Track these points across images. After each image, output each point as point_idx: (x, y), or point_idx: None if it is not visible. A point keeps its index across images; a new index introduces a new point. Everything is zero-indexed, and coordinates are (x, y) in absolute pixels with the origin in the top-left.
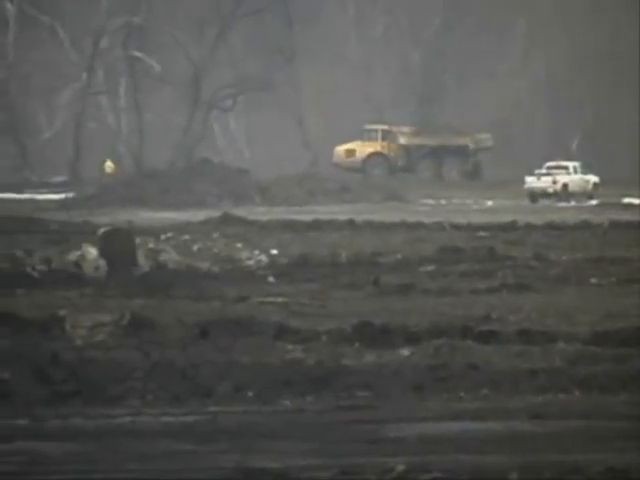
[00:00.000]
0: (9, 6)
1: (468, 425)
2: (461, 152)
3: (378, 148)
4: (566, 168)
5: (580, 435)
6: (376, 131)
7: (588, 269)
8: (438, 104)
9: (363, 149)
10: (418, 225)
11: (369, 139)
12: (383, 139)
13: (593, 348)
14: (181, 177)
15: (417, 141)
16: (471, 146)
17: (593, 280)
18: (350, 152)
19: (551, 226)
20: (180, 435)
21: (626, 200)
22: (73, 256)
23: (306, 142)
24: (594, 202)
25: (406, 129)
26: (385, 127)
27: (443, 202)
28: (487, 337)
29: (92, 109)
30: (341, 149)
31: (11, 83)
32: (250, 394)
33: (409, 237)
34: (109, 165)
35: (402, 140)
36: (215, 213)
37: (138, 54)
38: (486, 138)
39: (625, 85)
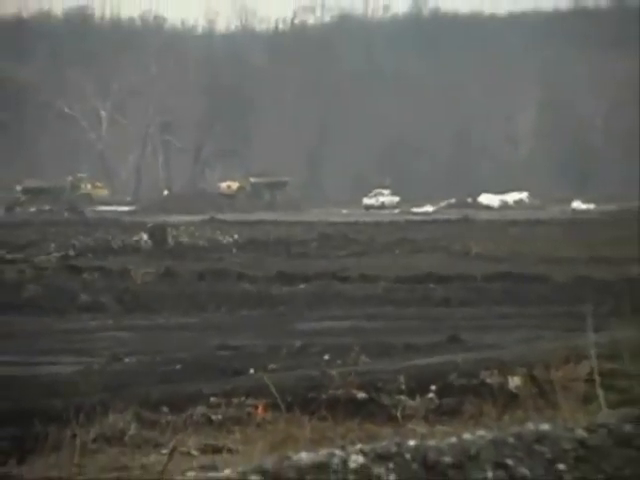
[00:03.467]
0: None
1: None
2: (281, 185)
3: (241, 184)
4: (383, 194)
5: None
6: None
7: (392, 244)
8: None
9: (234, 185)
10: (294, 223)
11: (237, 179)
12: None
13: (399, 285)
14: (189, 197)
15: (258, 180)
16: (286, 180)
17: (397, 251)
18: (228, 187)
19: (377, 223)
20: (188, 326)
21: (414, 209)
22: (136, 238)
23: None
24: (396, 211)
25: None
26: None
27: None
28: (344, 278)
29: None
30: (224, 185)
31: (105, 152)
32: (223, 309)
33: (293, 229)
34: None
35: (252, 180)
36: (206, 217)
37: (169, 137)
38: (286, 180)
39: None
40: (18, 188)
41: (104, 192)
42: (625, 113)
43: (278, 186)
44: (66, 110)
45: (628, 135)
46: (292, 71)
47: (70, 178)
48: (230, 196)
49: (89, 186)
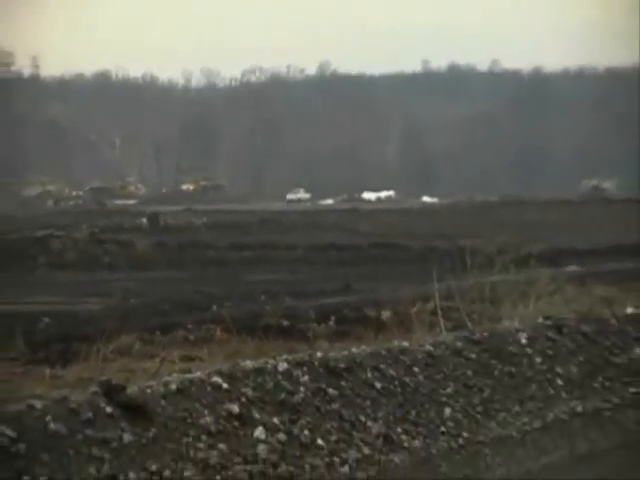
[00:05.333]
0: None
1: None
2: (219, 187)
3: (196, 185)
4: (300, 192)
5: None
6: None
7: (306, 224)
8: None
9: (191, 186)
10: (243, 211)
11: (193, 182)
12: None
13: (311, 251)
14: (173, 194)
15: (205, 184)
16: (223, 184)
17: (309, 229)
18: (187, 188)
19: (295, 211)
20: (173, 279)
21: (320, 202)
22: (139, 221)
23: None
24: (308, 203)
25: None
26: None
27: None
28: (274, 247)
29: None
30: (184, 186)
31: (119, 165)
32: (196, 267)
33: (243, 215)
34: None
35: (202, 183)
36: (184, 207)
37: (160, 156)
38: (222, 184)
39: None
40: (86, 188)
41: (141, 191)
42: (462, 133)
43: (217, 188)
44: (92, 138)
45: (463, 149)
46: (241, 112)
47: (119, 182)
48: (188, 194)
49: (132, 187)
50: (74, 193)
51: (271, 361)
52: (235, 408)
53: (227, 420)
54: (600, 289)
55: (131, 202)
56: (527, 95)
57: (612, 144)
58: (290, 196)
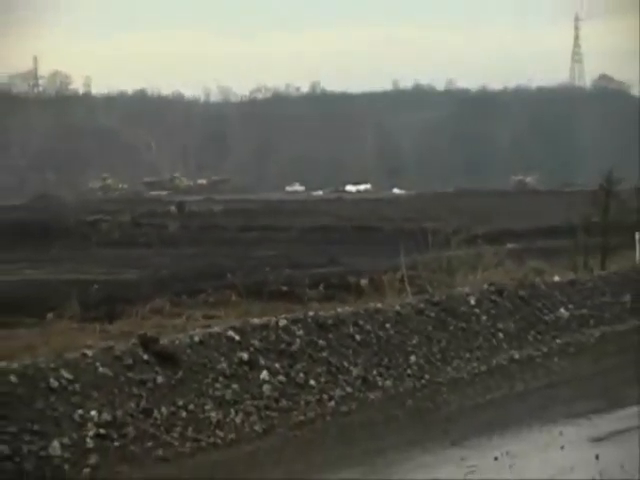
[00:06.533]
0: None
1: None
2: (227, 181)
3: (208, 180)
4: (296, 185)
5: None
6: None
7: (300, 211)
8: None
9: (204, 181)
10: (251, 200)
11: (206, 177)
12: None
13: (305, 233)
14: (195, 187)
15: (215, 179)
16: (229, 178)
17: (303, 215)
18: (201, 182)
19: (293, 201)
20: (195, 254)
21: (312, 193)
22: (168, 209)
23: None
24: (303, 195)
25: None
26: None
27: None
28: (276, 229)
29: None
30: (199, 181)
31: (156, 164)
32: (213, 245)
33: (251, 203)
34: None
35: (213, 178)
36: (204, 197)
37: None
38: (229, 178)
39: None
40: (141, 181)
41: (188, 183)
42: (424, 138)
43: (225, 182)
44: (133, 143)
45: (425, 151)
46: (249, 121)
47: (169, 176)
48: (203, 186)
49: (177, 181)
50: (119, 185)
51: (273, 319)
52: (245, 356)
53: (239, 365)
54: (533, 262)
55: (164, 193)
56: (475, 108)
57: (537, 147)
58: (288, 188)
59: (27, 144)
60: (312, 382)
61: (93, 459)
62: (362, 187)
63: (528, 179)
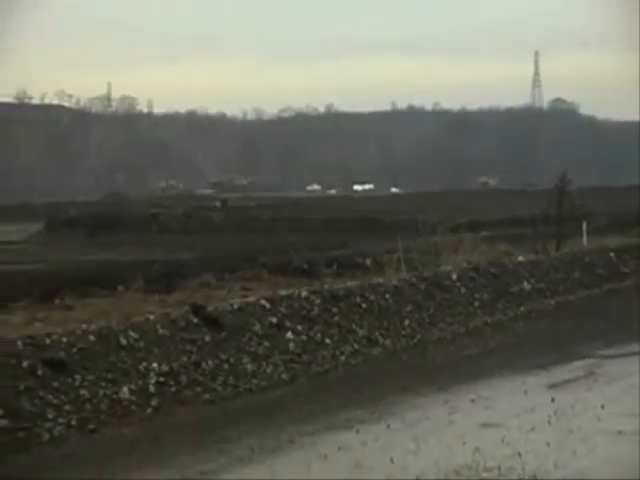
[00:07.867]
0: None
1: None
2: (253, 183)
3: (240, 182)
4: (314, 185)
5: None
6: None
7: (317, 205)
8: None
9: (237, 181)
10: (279, 197)
11: (237, 180)
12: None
13: (321, 223)
14: (234, 187)
15: (244, 181)
16: (246, 182)
17: (320, 209)
18: (236, 182)
19: (311, 197)
20: (229, 239)
21: (327, 192)
22: (213, 204)
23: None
24: (320, 192)
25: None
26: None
27: None
28: (296, 219)
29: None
30: (235, 182)
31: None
32: (247, 233)
33: (279, 199)
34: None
35: (244, 180)
36: (242, 194)
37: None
38: (253, 180)
39: None
40: (208, 181)
41: (244, 182)
42: (415, 149)
43: (252, 183)
44: (185, 153)
45: (417, 159)
46: (277, 136)
47: (225, 176)
48: (237, 186)
49: (236, 182)
50: (179, 186)
51: (297, 290)
52: (274, 320)
53: (269, 327)
54: (502, 246)
55: (210, 191)
56: (456, 125)
57: (505, 156)
58: (308, 188)
59: (102, 153)
60: (327, 341)
61: (154, 401)
62: (367, 187)
63: (490, 181)
